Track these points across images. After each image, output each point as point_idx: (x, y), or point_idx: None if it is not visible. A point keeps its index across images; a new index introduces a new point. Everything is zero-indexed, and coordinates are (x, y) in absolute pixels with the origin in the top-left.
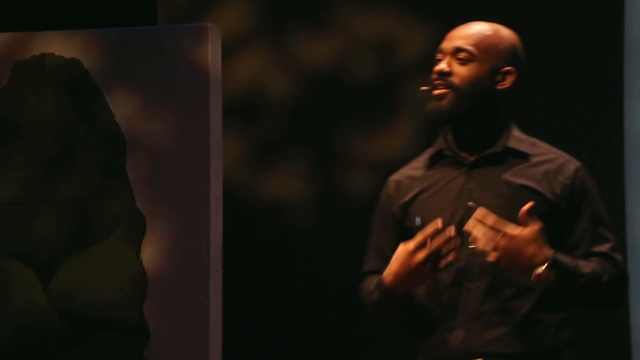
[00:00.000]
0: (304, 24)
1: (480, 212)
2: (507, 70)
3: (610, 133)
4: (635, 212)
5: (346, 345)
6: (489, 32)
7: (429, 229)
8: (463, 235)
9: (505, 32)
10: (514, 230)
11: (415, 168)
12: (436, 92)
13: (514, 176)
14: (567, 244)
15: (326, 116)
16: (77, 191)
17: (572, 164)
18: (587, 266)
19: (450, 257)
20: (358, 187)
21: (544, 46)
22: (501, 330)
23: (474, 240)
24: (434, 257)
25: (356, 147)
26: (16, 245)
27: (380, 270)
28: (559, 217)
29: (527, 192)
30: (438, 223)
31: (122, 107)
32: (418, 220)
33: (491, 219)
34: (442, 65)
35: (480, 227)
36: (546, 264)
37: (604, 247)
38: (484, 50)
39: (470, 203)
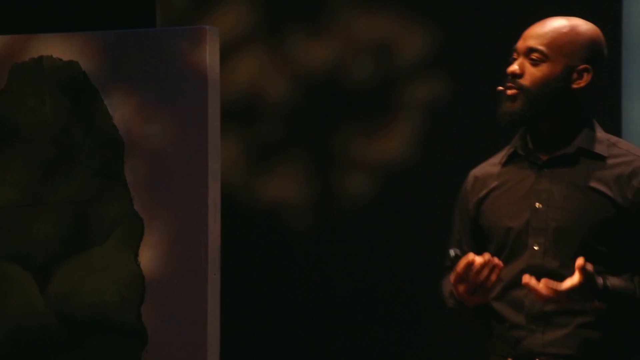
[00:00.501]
0: (302, 26)
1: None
2: (584, 68)
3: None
4: None
5: (345, 348)
6: (565, 30)
7: (461, 264)
8: (527, 238)
9: (584, 28)
10: (565, 285)
11: (493, 164)
12: (508, 92)
13: (585, 178)
14: (635, 249)
15: (324, 119)
16: (75, 194)
17: None
18: None
19: (493, 279)
20: (356, 190)
21: None
22: (563, 332)
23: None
24: (477, 285)
25: (354, 150)
26: (14, 248)
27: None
28: (630, 223)
29: (596, 196)
30: (469, 258)
31: (120, 110)
32: (452, 252)
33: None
34: (514, 67)
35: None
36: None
37: None
38: (558, 49)
39: (538, 204)
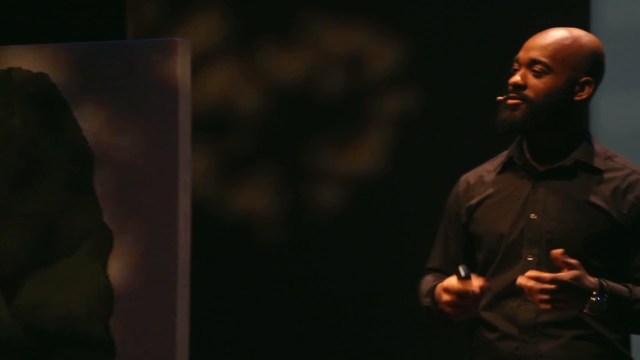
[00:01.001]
0: (274, 38)
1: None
2: (586, 80)
3: None
4: None
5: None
6: (567, 42)
7: (468, 288)
8: (521, 248)
9: (586, 40)
10: (555, 275)
11: (487, 170)
12: (510, 102)
13: (582, 191)
14: (631, 264)
15: (295, 131)
16: (44, 206)
17: None
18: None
19: (470, 314)
20: (327, 202)
21: (510, 55)
22: (556, 343)
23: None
24: (459, 307)
25: (325, 162)
26: None
27: (441, 269)
28: (624, 237)
29: (592, 209)
30: (475, 289)
31: (90, 122)
32: (462, 271)
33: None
34: (517, 78)
35: (531, 282)
36: (594, 292)
37: None
38: (561, 61)
39: (533, 215)
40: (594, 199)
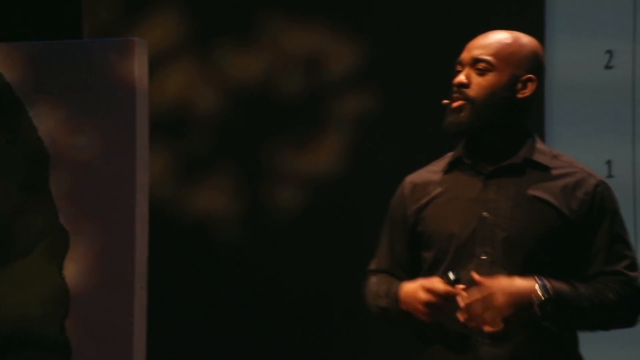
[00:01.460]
0: (232, 39)
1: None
2: (528, 78)
3: None
4: None
5: None
6: (508, 40)
7: (456, 292)
8: (473, 247)
9: (526, 40)
10: (485, 290)
11: (433, 172)
12: (454, 104)
13: (532, 188)
14: (581, 260)
15: (253, 131)
16: None
17: (593, 179)
18: (585, 287)
19: (442, 317)
20: (285, 203)
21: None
22: (510, 344)
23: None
24: (435, 310)
25: (283, 163)
26: None
27: (387, 271)
28: (574, 233)
29: (542, 206)
30: (463, 295)
31: (45, 122)
32: (451, 275)
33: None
34: (460, 77)
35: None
36: (537, 285)
37: (618, 266)
38: (503, 59)
39: (485, 213)
40: (544, 195)
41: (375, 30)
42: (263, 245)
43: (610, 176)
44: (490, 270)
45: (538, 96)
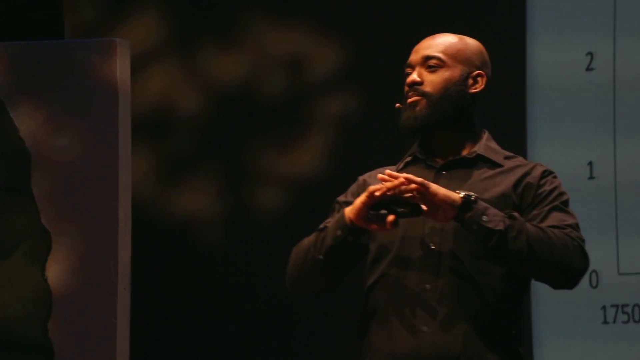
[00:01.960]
0: (214, 39)
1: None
2: (479, 73)
3: None
4: None
5: None
6: (454, 39)
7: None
8: (422, 237)
9: (470, 40)
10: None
11: (390, 169)
12: (410, 100)
13: (483, 180)
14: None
15: (236, 132)
16: None
17: (542, 167)
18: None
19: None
20: (268, 204)
21: None
22: (453, 334)
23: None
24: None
25: (266, 164)
26: None
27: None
28: (521, 214)
29: (492, 196)
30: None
31: (27, 122)
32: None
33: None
34: (413, 76)
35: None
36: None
37: (554, 221)
38: (452, 55)
39: None
40: (495, 187)
41: (357, 31)
42: (246, 246)
43: (591, 178)
44: (439, 259)
45: (486, 93)
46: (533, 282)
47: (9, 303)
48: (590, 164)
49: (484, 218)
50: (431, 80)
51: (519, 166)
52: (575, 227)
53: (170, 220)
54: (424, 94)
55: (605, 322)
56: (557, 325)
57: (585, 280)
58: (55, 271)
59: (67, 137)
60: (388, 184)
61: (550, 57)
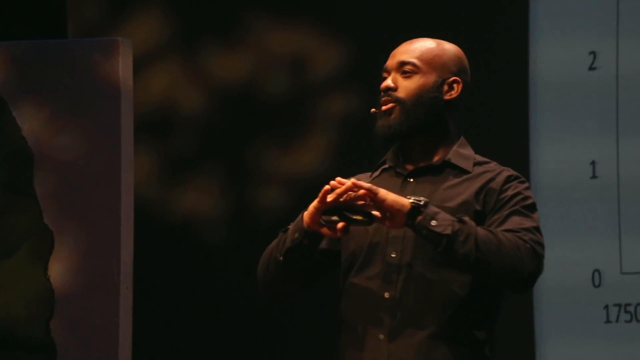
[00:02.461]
0: (217, 39)
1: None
2: (454, 80)
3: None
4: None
5: None
6: (431, 45)
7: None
8: (386, 246)
9: (449, 45)
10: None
11: (365, 176)
12: (384, 107)
13: (448, 188)
14: None
15: (239, 132)
16: None
17: (508, 172)
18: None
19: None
20: (271, 203)
21: None
22: (407, 343)
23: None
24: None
25: (269, 163)
26: None
27: None
28: (485, 223)
29: (455, 204)
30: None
31: (29, 122)
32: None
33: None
34: (387, 82)
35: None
36: (411, 199)
37: (512, 225)
38: (428, 61)
39: None
40: (459, 196)
41: (360, 30)
42: (248, 246)
43: (594, 177)
44: (399, 268)
45: (463, 99)
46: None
47: (11, 302)
48: (593, 163)
49: (433, 222)
50: (405, 86)
51: (486, 172)
52: (533, 230)
53: (172, 220)
54: (397, 100)
55: (607, 321)
56: (560, 325)
57: (588, 279)
58: (57, 270)
59: (70, 137)
60: (338, 190)
61: (553, 56)
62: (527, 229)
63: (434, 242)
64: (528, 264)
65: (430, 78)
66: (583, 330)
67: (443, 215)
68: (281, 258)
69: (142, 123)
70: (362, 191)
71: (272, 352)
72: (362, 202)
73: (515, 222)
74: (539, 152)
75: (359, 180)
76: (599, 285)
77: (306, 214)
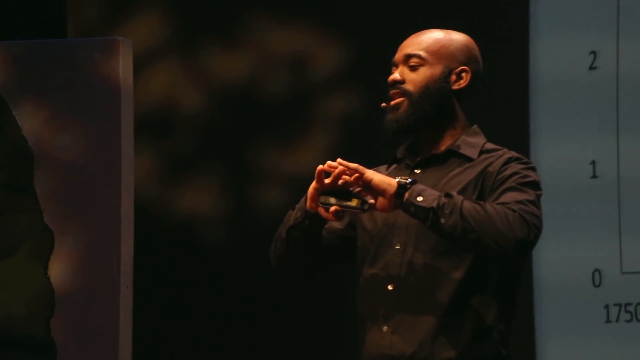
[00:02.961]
0: (217, 38)
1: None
2: (462, 69)
3: None
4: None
5: None
6: (439, 36)
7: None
8: (392, 237)
9: (457, 35)
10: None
11: (382, 168)
12: (393, 102)
13: (452, 177)
14: None
15: (239, 131)
16: None
17: (508, 155)
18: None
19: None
20: (271, 203)
21: None
22: (409, 334)
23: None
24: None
25: (269, 163)
26: None
27: None
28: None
29: (461, 193)
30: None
31: (30, 121)
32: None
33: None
34: (394, 75)
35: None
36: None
37: (505, 199)
38: (435, 52)
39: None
40: (461, 183)
41: (360, 30)
42: (249, 245)
43: (594, 176)
44: (402, 257)
45: (476, 88)
46: (532, 278)
47: (11, 302)
48: (593, 162)
49: (419, 198)
50: (412, 79)
51: (489, 157)
52: (525, 202)
53: (172, 219)
54: (405, 93)
55: (608, 321)
56: (560, 324)
57: (588, 279)
58: (58, 270)
59: (70, 136)
60: (335, 172)
61: (553, 55)
62: (518, 201)
63: (421, 217)
64: (517, 230)
65: (437, 69)
66: (583, 329)
67: (429, 191)
68: (284, 235)
69: (143, 122)
70: (348, 171)
71: (272, 352)
72: (358, 189)
73: (509, 196)
74: (539, 152)
75: (378, 172)
76: (599, 285)
77: (308, 195)
